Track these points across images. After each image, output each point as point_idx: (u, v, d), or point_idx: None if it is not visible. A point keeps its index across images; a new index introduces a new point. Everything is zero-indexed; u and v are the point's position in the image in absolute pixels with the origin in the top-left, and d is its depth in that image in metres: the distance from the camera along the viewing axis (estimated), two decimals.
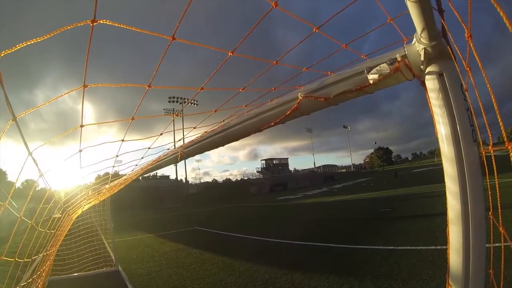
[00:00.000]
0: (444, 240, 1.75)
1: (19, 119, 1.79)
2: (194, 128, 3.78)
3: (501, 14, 1.04)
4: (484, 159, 1.66)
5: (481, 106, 1.59)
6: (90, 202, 8.15)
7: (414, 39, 1.69)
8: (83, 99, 2.25)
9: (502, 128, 1.32)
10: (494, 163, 1.66)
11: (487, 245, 1.67)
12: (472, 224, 1.61)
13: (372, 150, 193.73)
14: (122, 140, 3.60)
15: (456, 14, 1.45)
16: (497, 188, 1.72)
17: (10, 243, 2.77)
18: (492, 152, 1.59)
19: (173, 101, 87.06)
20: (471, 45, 1.43)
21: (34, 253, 4.02)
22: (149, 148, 4.20)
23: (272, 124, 2.68)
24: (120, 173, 6.39)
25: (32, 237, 3.73)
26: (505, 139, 1.29)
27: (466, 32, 1.41)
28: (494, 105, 1.35)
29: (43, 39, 1.53)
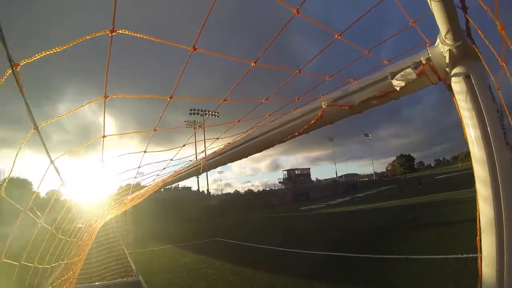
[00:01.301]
0: (471, 248, 1.68)
1: (42, 129, 1.80)
2: (217, 139, 3.77)
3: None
4: None
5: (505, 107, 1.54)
6: (112, 213, 8.21)
7: (438, 41, 1.65)
8: (104, 109, 2.25)
9: None
10: None
11: None
12: (507, 231, 1.54)
13: (394, 158, 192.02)
14: (144, 152, 3.61)
15: (485, 8, 1.40)
16: None
17: (30, 249, 2.78)
18: None
19: (194, 113, 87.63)
20: (505, 37, 1.38)
21: (54, 260, 4.03)
22: (171, 159, 4.22)
23: (296, 134, 2.65)
24: (142, 184, 6.44)
25: (52, 245, 3.75)
26: None
27: (499, 25, 1.37)
28: None
29: (61, 49, 1.53)
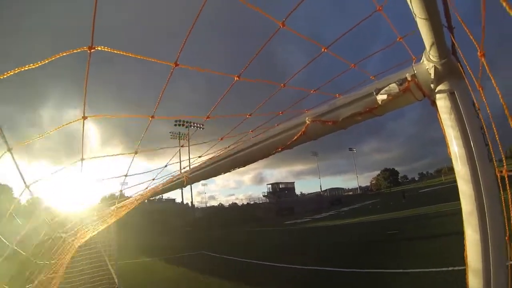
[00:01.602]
0: (456, 261, 1.68)
1: (22, 138, 1.76)
2: (199, 157, 3.75)
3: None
4: (499, 177, 1.61)
5: (493, 126, 1.55)
6: (94, 230, 8.11)
7: (423, 58, 1.66)
8: (83, 132, 2.20)
9: None
10: (508, 185, 1.60)
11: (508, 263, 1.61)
12: (492, 246, 1.55)
13: (378, 172, 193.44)
14: (125, 176, 3.56)
15: (468, 33, 1.41)
16: (510, 206, 1.65)
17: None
18: (506, 175, 1.53)
19: (179, 125, 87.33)
20: (485, 63, 1.39)
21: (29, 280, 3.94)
22: (153, 179, 4.16)
23: (280, 149, 2.64)
24: (125, 200, 6.39)
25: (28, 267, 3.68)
26: None
27: (479, 51, 1.37)
28: (510, 121, 1.29)
29: (38, 65, 1.49)
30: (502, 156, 1.57)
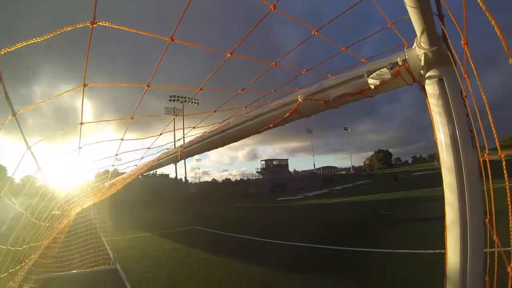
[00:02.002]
0: (443, 245, 1.74)
1: (18, 115, 1.79)
2: (194, 128, 3.78)
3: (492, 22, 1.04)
4: (482, 164, 1.66)
5: (478, 114, 1.59)
6: (89, 200, 8.15)
7: (415, 44, 1.69)
8: (82, 98, 2.25)
9: (495, 136, 1.32)
10: (489, 170, 1.65)
11: (484, 250, 1.67)
12: (470, 231, 1.60)
13: (372, 152, 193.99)
14: (122, 139, 3.59)
15: (453, 20, 1.44)
16: (492, 193, 1.71)
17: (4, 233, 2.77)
18: (487, 160, 1.58)
19: (174, 100, 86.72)
20: (467, 51, 1.43)
21: (27, 242, 4.00)
22: (148, 148, 4.21)
23: (272, 125, 2.68)
24: (120, 171, 6.39)
25: (29, 231, 3.73)
26: (498, 147, 1.29)
27: (463, 38, 1.41)
28: (488, 113, 1.34)
29: (42, 39, 1.53)
30: (485, 143, 1.61)
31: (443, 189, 1.73)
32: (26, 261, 5.03)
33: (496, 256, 1.77)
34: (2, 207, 2.69)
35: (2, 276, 3.70)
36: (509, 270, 1.48)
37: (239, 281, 9.29)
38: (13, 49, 1.47)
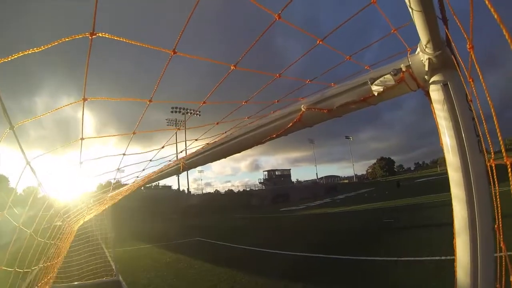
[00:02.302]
0: (448, 251, 1.72)
1: (19, 127, 1.78)
2: (196, 140, 3.77)
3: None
4: (489, 169, 1.64)
5: (483, 118, 1.57)
6: (91, 212, 8.13)
7: (418, 49, 1.68)
8: (83, 112, 2.23)
9: (500, 141, 1.31)
10: (495, 175, 1.63)
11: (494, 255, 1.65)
12: (480, 236, 1.58)
13: (374, 160, 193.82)
14: (124, 154, 3.59)
15: (459, 24, 1.43)
16: (498, 198, 1.69)
17: (10, 252, 2.74)
18: (493, 165, 1.56)
19: (175, 112, 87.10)
20: (473, 56, 1.41)
21: (34, 262, 3.97)
22: (150, 160, 4.19)
23: (275, 136, 2.66)
24: (123, 183, 6.41)
25: (32, 246, 3.70)
26: (504, 154, 1.27)
27: (468, 43, 1.40)
28: (494, 117, 1.33)
29: (40, 49, 1.52)
30: (490, 147, 1.60)
31: (449, 193, 1.71)
32: (39, 284, 5.00)
33: (504, 262, 1.75)
34: (6, 223, 2.67)
35: None
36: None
37: None
38: (8, 59, 1.45)
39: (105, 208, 10.64)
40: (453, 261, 1.77)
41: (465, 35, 1.39)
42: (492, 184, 1.69)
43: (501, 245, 1.75)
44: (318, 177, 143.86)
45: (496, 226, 1.72)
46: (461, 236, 1.65)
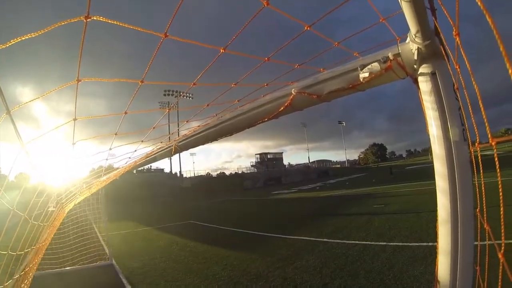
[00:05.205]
0: (436, 237, 1.77)
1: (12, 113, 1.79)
2: (187, 121, 3.78)
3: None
4: (473, 158, 1.68)
5: (470, 107, 1.60)
6: (83, 195, 8.14)
7: (408, 38, 1.70)
8: (76, 93, 2.25)
9: (486, 125, 1.34)
10: (480, 161, 1.67)
11: (474, 243, 1.70)
12: (461, 223, 1.63)
13: (366, 146, 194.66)
14: (115, 134, 3.58)
15: (445, 12, 1.45)
16: (483, 186, 1.73)
17: (3, 237, 2.76)
18: (478, 149, 1.60)
19: (168, 95, 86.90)
20: (459, 42, 1.44)
21: (27, 245, 3.99)
22: (142, 141, 4.19)
23: (266, 119, 2.68)
24: (114, 165, 6.38)
25: (25, 230, 3.72)
26: (489, 135, 1.30)
27: (454, 30, 1.42)
28: (480, 103, 1.35)
29: (36, 35, 1.53)
30: (476, 136, 1.62)
31: (435, 181, 1.76)
32: (30, 266, 5.02)
33: (487, 247, 1.80)
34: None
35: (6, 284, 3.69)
36: (500, 256, 1.51)
37: (234, 274, 9.33)
38: (5, 46, 1.46)
39: (98, 192, 10.64)
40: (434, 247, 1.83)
41: (451, 22, 1.42)
42: (476, 172, 1.73)
43: (485, 226, 1.80)
44: (310, 161, 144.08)
45: (477, 210, 1.78)
46: (443, 220, 1.69)
